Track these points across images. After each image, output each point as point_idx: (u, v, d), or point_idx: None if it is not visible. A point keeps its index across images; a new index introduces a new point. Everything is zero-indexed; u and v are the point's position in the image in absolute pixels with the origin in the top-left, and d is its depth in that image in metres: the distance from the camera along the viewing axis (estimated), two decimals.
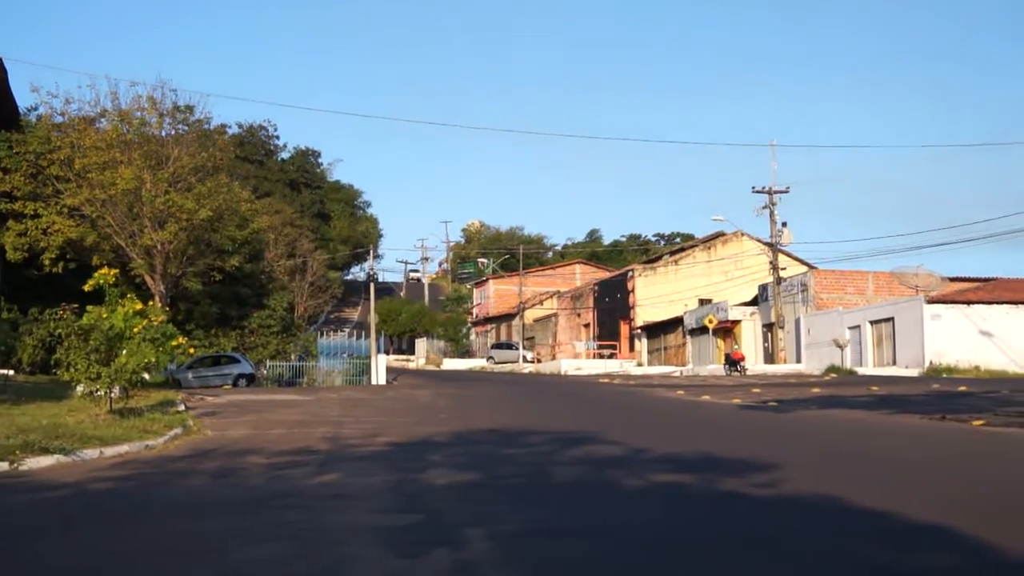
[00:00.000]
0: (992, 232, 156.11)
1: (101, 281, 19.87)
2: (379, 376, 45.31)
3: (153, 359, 20.01)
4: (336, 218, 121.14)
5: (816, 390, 29.19)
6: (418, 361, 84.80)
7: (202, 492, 10.83)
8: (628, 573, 6.37)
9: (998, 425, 15.82)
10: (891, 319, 45.13)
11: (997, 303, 43.34)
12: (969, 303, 43.17)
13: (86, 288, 20.42)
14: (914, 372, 40.59)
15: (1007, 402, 21.17)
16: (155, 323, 20.37)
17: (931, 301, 43.30)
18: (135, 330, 19.39)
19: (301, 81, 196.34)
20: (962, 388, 27.68)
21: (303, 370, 48.63)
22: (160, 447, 15.24)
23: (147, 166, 38.99)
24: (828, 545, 7.16)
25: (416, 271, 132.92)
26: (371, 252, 68.27)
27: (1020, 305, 43.21)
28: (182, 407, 22.84)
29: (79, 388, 19.40)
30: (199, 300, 46.42)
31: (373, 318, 53.10)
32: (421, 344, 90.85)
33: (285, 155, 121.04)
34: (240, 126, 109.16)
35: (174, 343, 21.92)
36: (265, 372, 47.37)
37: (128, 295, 20.87)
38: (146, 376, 22.31)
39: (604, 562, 6.73)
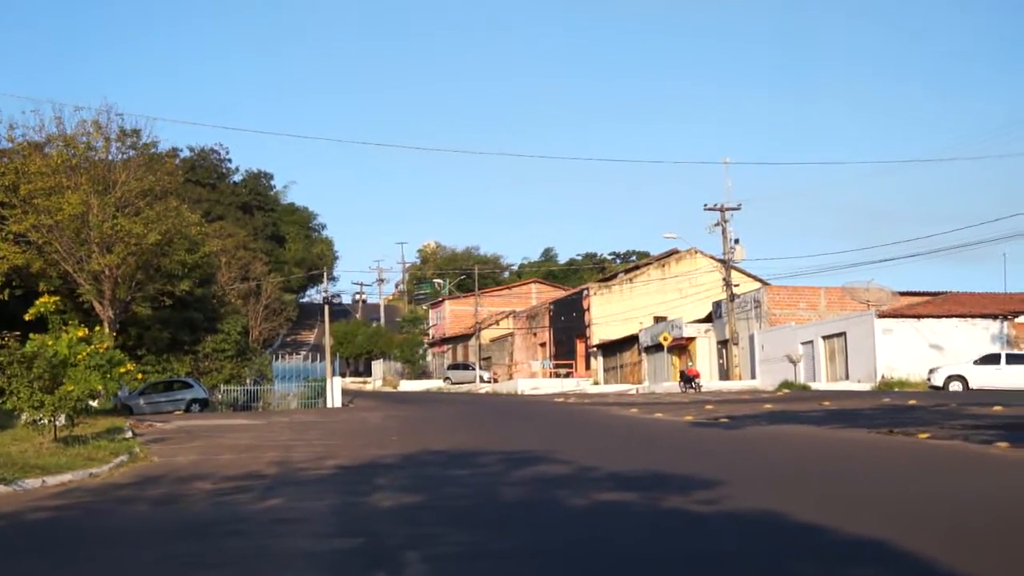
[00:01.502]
0: (939, 247, 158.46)
1: (42, 309, 19.60)
2: (335, 399, 45.15)
3: (99, 386, 19.80)
4: (290, 241, 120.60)
5: (768, 406, 29.34)
6: (375, 383, 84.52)
7: (144, 520, 10.69)
8: None
9: (942, 438, 16.01)
10: (843, 334, 45.60)
11: (947, 317, 43.98)
12: (919, 317, 43.76)
13: (27, 317, 20.11)
14: (866, 386, 41.01)
15: (954, 415, 21.43)
16: (101, 350, 20.11)
17: (882, 315, 43.81)
18: (80, 357, 19.16)
19: (252, 104, 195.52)
20: (912, 402, 27.96)
21: (258, 394, 48.22)
22: (105, 475, 15.01)
23: (94, 191, 38.53)
24: (764, 561, 7.19)
25: (361, 293, 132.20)
26: (325, 274, 67.85)
27: (969, 319, 43.88)
28: (130, 434, 22.54)
29: (23, 417, 19.11)
30: (149, 325, 45.89)
31: (328, 340, 52.77)
32: (378, 366, 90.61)
33: (237, 178, 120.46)
34: (191, 149, 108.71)
35: (122, 369, 21.63)
36: (219, 397, 46.93)
37: (72, 322, 20.58)
38: (93, 403, 22.02)
39: None
